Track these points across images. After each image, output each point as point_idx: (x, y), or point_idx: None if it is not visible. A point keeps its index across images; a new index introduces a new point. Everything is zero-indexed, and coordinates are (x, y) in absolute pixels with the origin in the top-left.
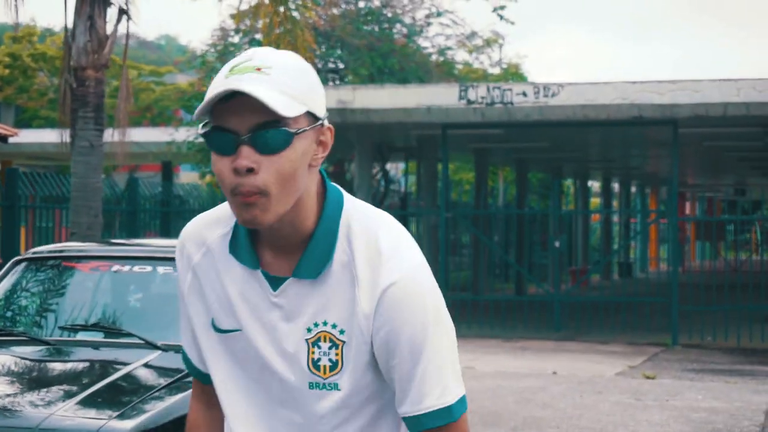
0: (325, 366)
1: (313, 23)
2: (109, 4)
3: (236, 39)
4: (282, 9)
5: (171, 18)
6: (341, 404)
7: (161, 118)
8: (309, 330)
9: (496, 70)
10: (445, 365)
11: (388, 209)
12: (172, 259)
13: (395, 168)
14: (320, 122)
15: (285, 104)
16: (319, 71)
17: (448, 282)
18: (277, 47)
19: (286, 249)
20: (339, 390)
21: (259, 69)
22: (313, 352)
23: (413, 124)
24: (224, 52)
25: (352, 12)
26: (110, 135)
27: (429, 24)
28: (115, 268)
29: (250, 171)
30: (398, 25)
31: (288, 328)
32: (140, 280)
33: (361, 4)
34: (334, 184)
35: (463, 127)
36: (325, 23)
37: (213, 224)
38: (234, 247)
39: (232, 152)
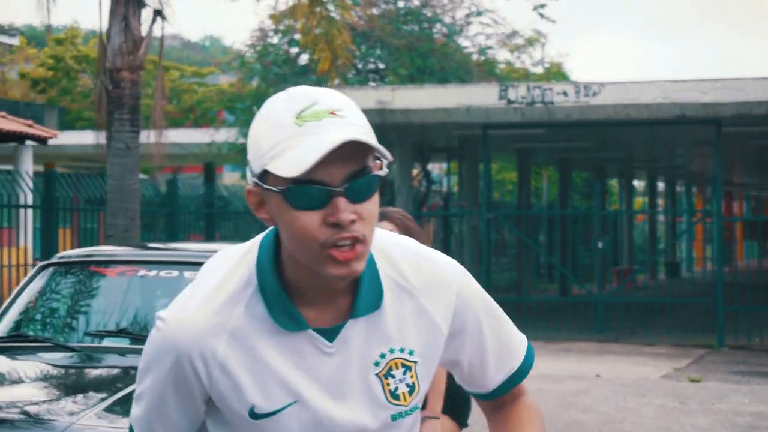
0: (404, 393)
1: (351, 23)
2: (144, 5)
3: (275, 39)
4: (318, 9)
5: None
6: (416, 419)
7: (204, 120)
8: (377, 364)
9: (539, 70)
10: (508, 319)
11: (430, 210)
12: (201, 264)
13: (438, 168)
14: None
15: (382, 148)
16: (358, 72)
17: (491, 283)
18: (314, 48)
19: (332, 296)
20: (418, 408)
21: (333, 113)
22: (388, 384)
23: (453, 124)
24: (263, 52)
25: (391, 12)
26: (147, 136)
27: (469, 23)
28: (142, 273)
29: (351, 222)
30: (438, 25)
31: (352, 375)
32: (167, 285)
33: (401, 4)
34: None
35: (503, 127)
36: (364, 23)
37: (225, 306)
38: (276, 317)
39: (323, 206)
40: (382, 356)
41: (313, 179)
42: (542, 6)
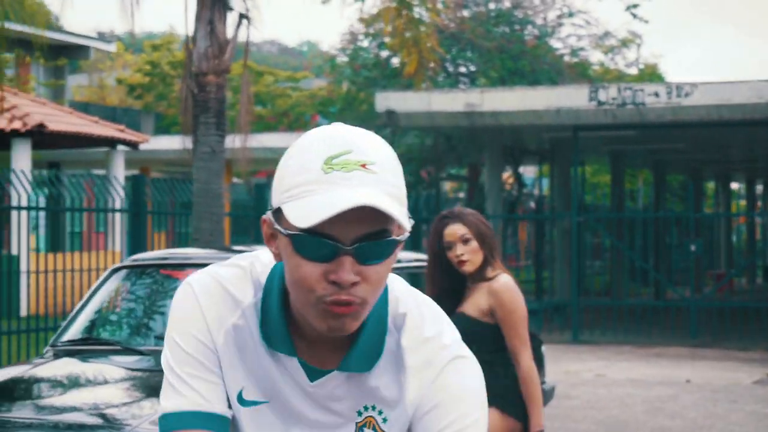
0: None
1: (441, 26)
2: (230, 8)
3: (365, 43)
4: (405, 12)
5: (312, 24)
6: None
7: (298, 124)
8: (359, 413)
9: (633, 71)
10: None
11: (522, 214)
12: None
13: (533, 171)
14: (410, 220)
15: (402, 213)
16: (449, 74)
17: (581, 287)
18: (401, 50)
19: (330, 342)
20: None
21: (364, 165)
22: None
23: (543, 126)
24: (354, 56)
25: (482, 14)
26: (233, 140)
27: (561, 24)
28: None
29: (353, 284)
30: (529, 27)
31: (328, 420)
32: None
33: (492, 6)
34: None
35: (594, 129)
36: (455, 26)
37: (245, 287)
38: (265, 334)
39: (328, 260)
40: (362, 411)
41: (323, 232)
42: (635, 6)
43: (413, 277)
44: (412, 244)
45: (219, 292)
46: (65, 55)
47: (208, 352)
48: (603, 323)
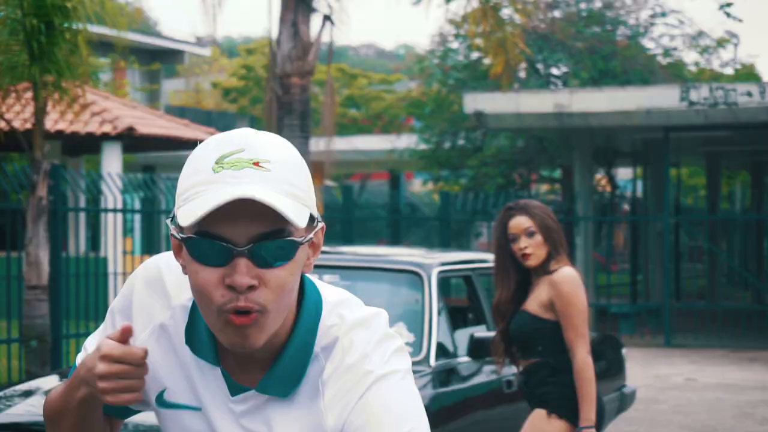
0: None
1: (531, 27)
2: (313, 10)
3: (455, 44)
4: (491, 13)
5: (408, 27)
6: None
7: (392, 127)
8: None
9: (728, 71)
10: None
11: (615, 216)
12: (351, 268)
13: (628, 173)
14: (318, 223)
15: (297, 211)
16: (540, 75)
17: (677, 290)
18: (487, 51)
19: (255, 359)
20: None
21: (257, 163)
22: None
23: (634, 127)
24: (443, 57)
25: (572, 14)
26: (318, 143)
27: (653, 24)
28: None
29: (251, 288)
30: (621, 27)
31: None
32: None
33: (583, 6)
34: (310, 277)
35: (685, 129)
36: (545, 27)
37: (183, 285)
38: (190, 337)
39: (224, 264)
40: None
41: (214, 233)
42: (728, 5)
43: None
44: None
45: (158, 285)
46: (160, 60)
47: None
48: (698, 327)
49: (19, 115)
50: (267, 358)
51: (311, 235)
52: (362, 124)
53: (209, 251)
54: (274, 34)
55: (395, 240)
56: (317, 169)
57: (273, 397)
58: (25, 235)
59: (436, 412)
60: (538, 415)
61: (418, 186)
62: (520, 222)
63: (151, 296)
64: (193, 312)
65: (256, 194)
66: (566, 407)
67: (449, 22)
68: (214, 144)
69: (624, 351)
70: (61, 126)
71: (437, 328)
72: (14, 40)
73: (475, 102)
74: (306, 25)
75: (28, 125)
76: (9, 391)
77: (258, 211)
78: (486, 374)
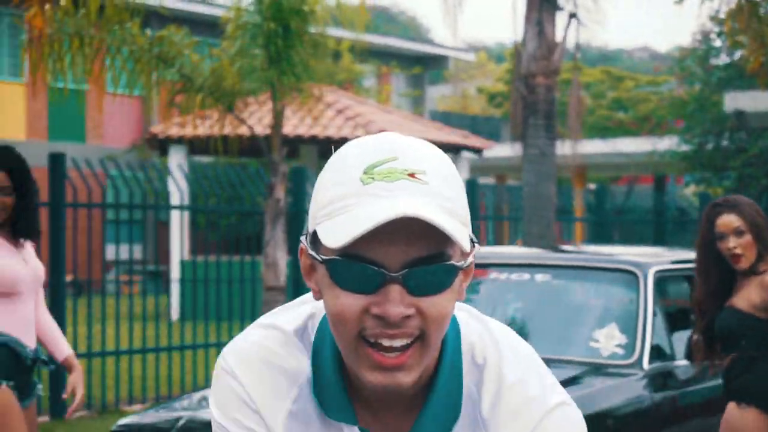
0: None
1: None
2: (559, 8)
3: (718, 42)
4: (746, 7)
5: (680, 28)
6: None
7: (660, 129)
8: None
9: None
10: None
11: None
12: (564, 267)
13: None
14: (475, 245)
15: (460, 232)
16: None
17: None
18: (742, 47)
19: (394, 405)
20: None
21: (412, 174)
22: None
23: None
24: (704, 56)
25: None
26: (564, 145)
27: None
28: (493, 275)
29: (405, 318)
30: None
31: None
32: (516, 288)
33: None
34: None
35: None
36: None
37: (284, 385)
38: (320, 401)
39: (372, 291)
40: None
41: (365, 256)
42: None
43: None
44: None
45: (266, 370)
46: (424, 66)
47: None
48: None
49: (261, 121)
50: (410, 401)
51: (471, 258)
52: (629, 127)
53: (358, 276)
54: (519, 34)
55: (659, 243)
56: (579, 172)
57: None
58: (263, 237)
59: (649, 417)
60: (729, 409)
61: (692, 189)
62: (729, 220)
63: (264, 384)
64: (315, 372)
65: (419, 212)
66: (761, 397)
67: (710, 19)
68: (358, 150)
69: None
70: (315, 131)
71: (652, 330)
72: (254, 44)
73: (735, 101)
74: (551, 24)
75: (269, 131)
76: None
77: (417, 230)
78: (707, 379)
